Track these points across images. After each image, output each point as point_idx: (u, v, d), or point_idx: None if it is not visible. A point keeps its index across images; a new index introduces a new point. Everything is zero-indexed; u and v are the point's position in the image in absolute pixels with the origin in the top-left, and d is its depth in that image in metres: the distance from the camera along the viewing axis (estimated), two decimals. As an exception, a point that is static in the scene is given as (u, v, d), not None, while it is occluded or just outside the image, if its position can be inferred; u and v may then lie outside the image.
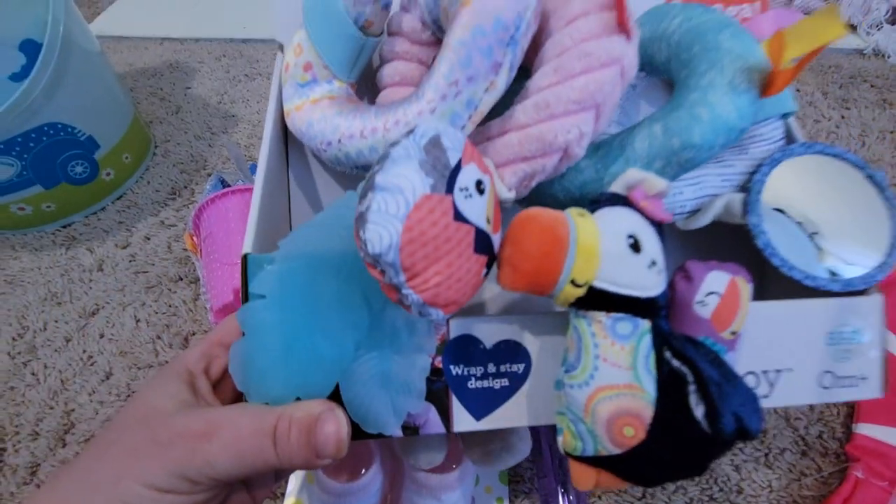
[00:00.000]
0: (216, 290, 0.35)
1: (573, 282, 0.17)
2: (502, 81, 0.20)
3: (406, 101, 0.21)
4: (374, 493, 0.27)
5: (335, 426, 0.17)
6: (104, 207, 0.50)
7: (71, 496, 0.16)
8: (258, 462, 0.17)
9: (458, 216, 0.16)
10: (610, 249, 0.17)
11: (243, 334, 0.17)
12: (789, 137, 0.26)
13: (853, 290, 0.22)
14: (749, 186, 0.23)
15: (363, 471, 0.26)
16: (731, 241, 0.25)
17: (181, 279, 0.44)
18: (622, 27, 0.19)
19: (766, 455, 0.32)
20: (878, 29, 0.62)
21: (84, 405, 0.37)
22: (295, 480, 0.31)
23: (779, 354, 0.22)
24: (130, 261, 0.45)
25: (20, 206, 0.46)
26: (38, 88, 0.40)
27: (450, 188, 0.16)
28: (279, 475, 0.23)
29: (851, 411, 0.33)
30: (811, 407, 0.34)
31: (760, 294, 0.23)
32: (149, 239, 0.47)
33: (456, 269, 0.16)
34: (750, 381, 0.22)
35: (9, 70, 0.39)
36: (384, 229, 0.14)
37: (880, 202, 0.23)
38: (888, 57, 0.60)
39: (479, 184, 0.17)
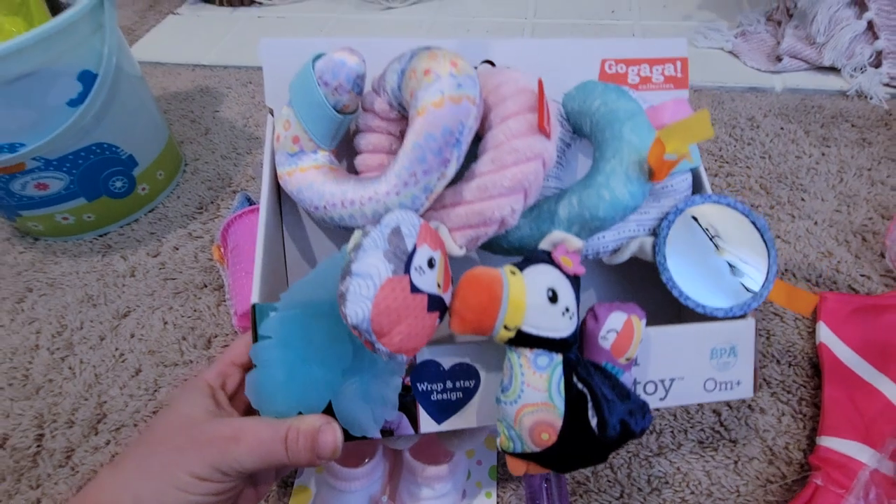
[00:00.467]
0: (241, 297, 0.39)
1: (506, 327, 0.23)
2: (451, 171, 0.25)
3: (377, 181, 0.26)
4: (376, 479, 0.30)
5: (332, 436, 0.22)
6: (138, 219, 0.55)
7: (132, 480, 0.21)
8: (273, 461, 0.22)
9: (414, 289, 0.21)
10: (533, 301, 0.23)
11: (254, 366, 0.23)
12: (699, 184, 0.33)
13: (733, 316, 0.29)
14: (658, 231, 0.29)
15: (367, 459, 0.30)
16: (652, 271, 0.30)
17: (206, 286, 0.48)
18: (542, 130, 0.25)
19: (736, 462, 0.35)
20: (862, 72, 0.67)
21: (115, 398, 0.41)
22: (305, 469, 0.34)
23: (673, 366, 0.29)
24: (160, 268, 0.50)
25: (64, 215, 0.50)
26: (91, 113, 0.45)
27: (407, 269, 0.21)
28: (279, 473, 0.29)
29: (816, 425, 0.36)
30: (779, 420, 0.37)
31: (678, 309, 0.30)
32: (177, 249, 0.51)
33: (414, 327, 0.21)
34: (650, 387, 0.29)
35: (67, 97, 0.44)
36: (359, 307, 0.20)
37: (761, 243, 0.29)
38: (870, 98, 0.64)
39: (430, 261, 0.22)
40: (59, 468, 0.37)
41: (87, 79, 0.45)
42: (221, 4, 0.90)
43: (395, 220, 0.22)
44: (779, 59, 0.70)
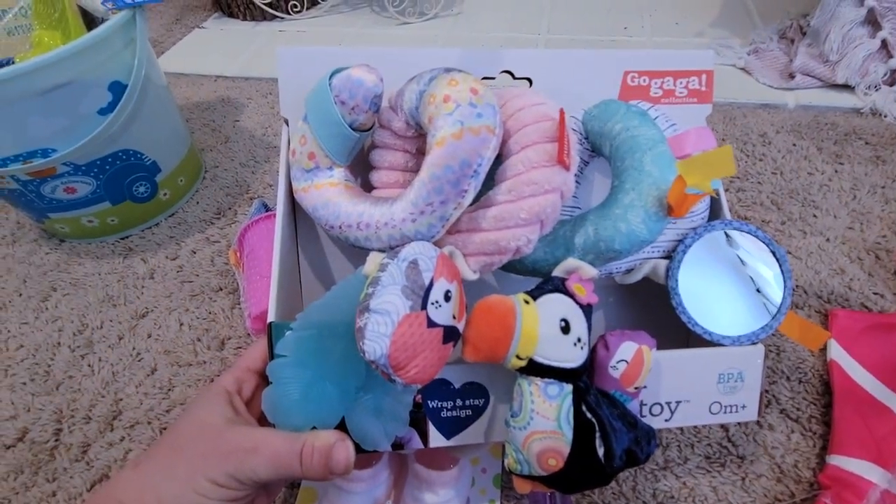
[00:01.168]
0: (255, 299, 0.40)
1: (518, 356, 0.24)
2: (468, 200, 0.26)
3: (394, 205, 0.26)
4: (381, 482, 0.30)
5: (345, 453, 0.23)
6: (158, 223, 0.56)
7: (156, 482, 0.23)
8: (287, 474, 0.23)
9: (431, 324, 0.22)
10: (546, 332, 0.24)
11: (269, 382, 0.24)
12: (718, 208, 0.33)
13: (741, 344, 0.29)
14: (673, 255, 0.29)
15: (373, 462, 0.30)
16: (664, 291, 0.30)
17: (221, 289, 0.49)
18: (562, 162, 0.25)
19: (744, 479, 0.34)
20: (876, 90, 0.66)
21: (131, 395, 0.42)
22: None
23: (680, 389, 0.29)
24: (178, 271, 0.51)
25: (89, 218, 0.52)
26: (119, 121, 0.47)
27: (424, 305, 0.22)
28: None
29: (825, 443, 0.35)
30: (788, 437, 0.36)
31: (687, 332, 0.30)
32: (195, 253, 0.53)
33: (429, 360, 0.22)
34: (656, 409, 0.29)
35: (98, 106, 0.46)
36: (377, 344, 0.20)
37: (778, 274, 0.29)
38: (884, 116, 0.64)
39: (446, 294, 0.23)
40: (76, 462, 0.38)
41: (117, 89, 0.47)
42: (244, 19, 0.94)
43: (413, 254, 0.23)
44: (791, 76, 0.70)
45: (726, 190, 0.56)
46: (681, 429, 0.37)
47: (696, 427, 0.37)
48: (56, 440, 0.40)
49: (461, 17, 0.91)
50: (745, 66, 0.73)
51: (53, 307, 0.49)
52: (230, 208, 0.58)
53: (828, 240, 0.49)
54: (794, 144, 0.60)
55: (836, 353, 0.39)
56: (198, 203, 0.58)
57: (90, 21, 0.53)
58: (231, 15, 0.95)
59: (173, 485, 0.22)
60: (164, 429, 0.40)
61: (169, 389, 0.42)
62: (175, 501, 0.22)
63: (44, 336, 0.46)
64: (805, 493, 0.33)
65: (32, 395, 0.42)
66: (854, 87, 0.67)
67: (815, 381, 0.39)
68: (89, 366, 0.44)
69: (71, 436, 0.40)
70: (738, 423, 0.37)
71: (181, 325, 0.47)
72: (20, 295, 0.50)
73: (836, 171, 0.56)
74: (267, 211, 0.48)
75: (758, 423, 0.37)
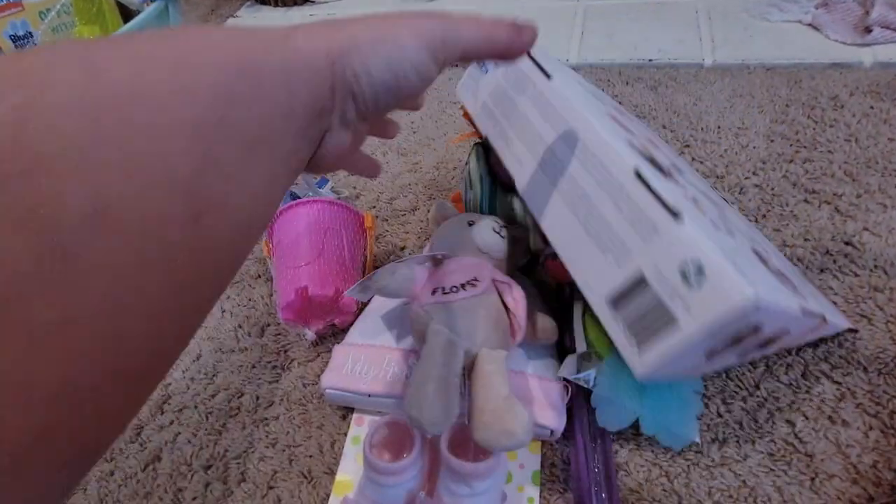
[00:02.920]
0: (284, 290, 0.40)
1: None
2: None
3: None
4: (415, 475, 0.29)
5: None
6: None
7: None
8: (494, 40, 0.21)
9: None
10: None
11: None
12: None
13: None
14: None
15: (405, 454, 0.30)
16: None
17: (259, 276, 0.50)
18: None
19: (813, 479, 0.31)
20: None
21: (178, 380, 0.43)
22: (345, 461, 0.35)
23: None
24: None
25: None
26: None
27: None
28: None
29: (911, 443, 0.32)
30: (866, 434, 0.33)
31: None
32: (234, 241, 0.54)
33: None
34: None
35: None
36: None
37: None
38: None
39: None
40: (130, 444, 0.40)
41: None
42: (276, 5, 0.94)
43: None
44: (868, 30, 0.62)
45: (790, 161, 0.50)
46: (739, 423, 0.34)
47: (756, 421, 0.34)
48: (112, 422, 0.42)
49: (494, -10, 0.87)
50: (812, 22, 0.66)
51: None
52: (266, 197, 0.58)
53: (913, 213, 0.44)
54: (872, 107, 0.54)
55: (925, 341, 0.35)
56: (235, 192, 0.59)
57: (127, 14, 0.54)
58: (264, 2, 0.95)
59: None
60: (210, 413, 0.41)
61: (213, 375, 0.43)
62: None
63: (99, 323, 0.49)
64: (886, 497, 0.30)
65: (90, 380, 0.44)
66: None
67: (899, 372, 0.35)
68: (140, 352, 0.46)
69: (125, 418, 0.42)
70: (806, 418, 0.34)
71: (223, 312, 0.48)
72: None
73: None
74: (294, 199, 0.48)
75: (829, 418, 0.34)
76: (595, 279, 0.26)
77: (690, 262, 0.23)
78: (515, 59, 0.23)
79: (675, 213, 0.24)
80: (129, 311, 0.13)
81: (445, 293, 0.30)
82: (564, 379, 0.33)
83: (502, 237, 0.34)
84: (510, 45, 0.22)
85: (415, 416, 0.25)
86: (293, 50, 0.17)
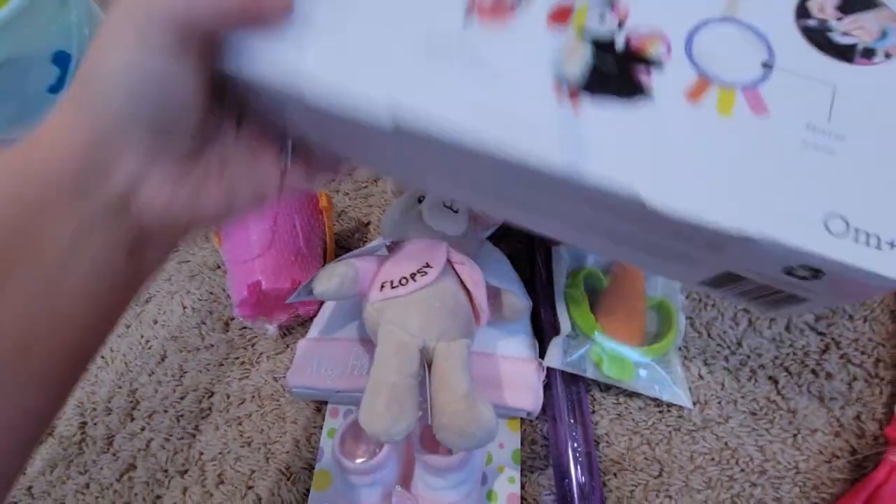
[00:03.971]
0: (236, 286, 0.37)
1: None
2: None
3: None
4: (388, 471, 0.29)
5: None
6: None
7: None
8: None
9: None
10: None
11: None
12: None
13: None
14: None
15: (376, 450, 0.28)
16: None
17: (219, 267, 0.47)
18: None
19: (795, 436, 0.31)
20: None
21: (145, 385, 0.42)
22: (323, 454, 0.34)
23: None
24: (174, 251, 0.49)
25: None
26: (72, 97, 0.42)
27: None
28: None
29: (894, 391, 0.31)
30: (849, 385, 0.32)
31: None
32: (188, 230, 0.50)
33: None
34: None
35: (46, 83, 0.42)
36: None
37: None
38: None
39: None
40: (102, 454, 0.39)
41: (63, 60, 0.42)
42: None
43: None
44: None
45: None
46: (721, 384, 0.33)
47: (738, 380, 0.33)
48: (82, 433, 0.40)
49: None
50: None
51: (61, 300, 0.48)
52: (218, 177, 0.54)
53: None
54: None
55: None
56: (185, 175, 0.55)
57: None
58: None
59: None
60: (181, 416, 0.40)
61: (181, 376, 0.42)
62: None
63: (56, 331, 0.46)
64: (868, 450, 0.30)
65: (54, 391, 0.43)
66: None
67: (885, 317, 0.34)
68: (103, 357, 0.44)
69: (95, 429, 0.40)
70: (789, 373, 0.33)
71: (184, 308, 0.45)
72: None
73: None
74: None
75: (813, 371, 0.33)
76: None
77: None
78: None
79: None
80: None
81: (394, 287, 0.27)
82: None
83: (455, 211, 0.31)
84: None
85: (367, 428, 0.23)
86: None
